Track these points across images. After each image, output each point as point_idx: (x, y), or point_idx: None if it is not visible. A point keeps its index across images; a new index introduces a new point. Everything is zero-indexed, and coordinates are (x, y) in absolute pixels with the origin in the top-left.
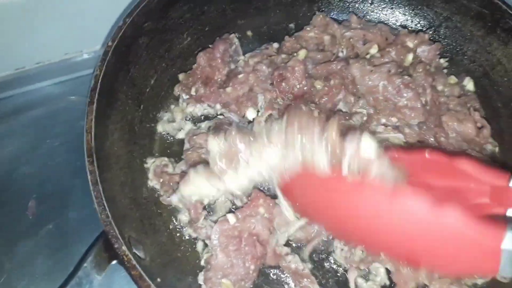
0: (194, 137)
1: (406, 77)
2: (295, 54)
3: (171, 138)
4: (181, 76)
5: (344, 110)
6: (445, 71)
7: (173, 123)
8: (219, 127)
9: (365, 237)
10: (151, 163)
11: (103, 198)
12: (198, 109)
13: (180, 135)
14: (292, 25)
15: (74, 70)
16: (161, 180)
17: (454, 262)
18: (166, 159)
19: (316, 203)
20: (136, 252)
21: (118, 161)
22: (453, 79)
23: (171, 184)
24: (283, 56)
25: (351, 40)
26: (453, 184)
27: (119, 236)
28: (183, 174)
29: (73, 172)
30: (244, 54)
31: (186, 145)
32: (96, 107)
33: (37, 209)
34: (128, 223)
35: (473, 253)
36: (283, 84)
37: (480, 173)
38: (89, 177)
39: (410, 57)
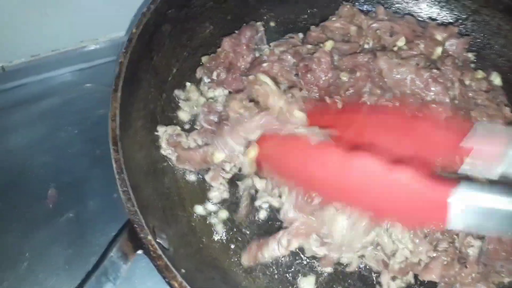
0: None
1: (434, 70)
2: (321, 45)
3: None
4: (204, 59)
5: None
6: (472, 65)
7: (189, 102)
8: None
9: (330, 193)
10: (163, 132)
11: (129, 187)
12: (219, 94)
13: (194, 112)
14: (316, 15)
15: (90, 59)
16: (176, 154)
17: (410, 215)
18: (178, 128)
19: (283, 162)
20: (161, 242)
21: (141, 150)
22: (480, 74)
23: (187, 160)
24: (309, 46)
25: (378, 31)
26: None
27: (144, 225)
28: (197, 148)
29: (91, 161)
30: (267, 43)
31: (201, 116)
32: (120, 94)
33: (57, 197)
34: (152, 213)
35: (424, 206)
36: (309, 75)
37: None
38: (114, 165)
39: (439, 50)
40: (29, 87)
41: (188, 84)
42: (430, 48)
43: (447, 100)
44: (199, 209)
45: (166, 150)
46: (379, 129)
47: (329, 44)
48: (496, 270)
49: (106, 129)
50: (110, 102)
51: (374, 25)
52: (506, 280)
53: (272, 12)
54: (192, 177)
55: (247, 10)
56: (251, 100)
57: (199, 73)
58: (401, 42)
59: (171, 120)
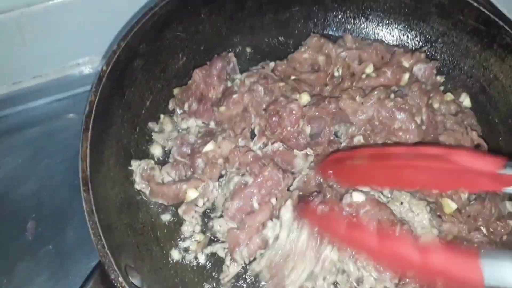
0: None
1: (398, 99)
2: (297, 95)
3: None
4: (175, 91)
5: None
6: (442, 87)
7: (163, 134)
8: (208, 135)
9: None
10: (137, 166)
11: (99, 229)
12: (191, 124)
13: (168, 146)
14: (289, 41)
15: (72, 87)
16: (150, 188)
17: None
18: (152, 161)
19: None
20: (133, 281)
21: (114, 187)
22: (449, 96)
23: (160, 194)
24: (281, 84)
25: (346, 59)
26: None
27: (115, 267)
28: (171, 184)
29: (71, 191)
30: (240, 71)
31: (174, 149)
32: (91, 133)
33: (36, 229)
34: (125, 251)
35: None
36: (274, 118)
37: (475, 161)
38: (84, 206)
39: (406, 76)
40: (10, 118)
41: (162, 116)
42: (397, 74)
43: (413, 126)
44: (175, 254)
45: (140, 184)
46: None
47: (305, 99)
48: None
49: None
50: (81, 132)
51: (343, 54)
52: None
53: (244, 41)
54: (166, 216)
55: (220, 40)
56: None
57: (171, 104)
58: (369, 69)
59: (145, 153)
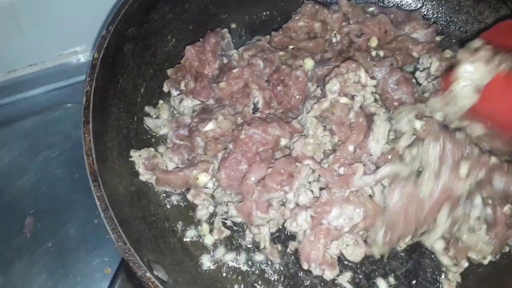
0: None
1: (407, 72)
2: (300, 62)
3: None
4: (169, 71)
5: None
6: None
7: (156, 120)
8: (203, 112)
9: None
10: (137, 157)
11: (117, 224)
12: (189, 105)
13: (163, 132)
14: (278, 14)
15: (70, 76)
16: (155, 177)
17: None
18: (152, 149)
19: None
20: (159, 275)
21: (121, 180)
22: (448, 53)
23: (168, 183)
24: (281, 53)
25: (349, 33)
26: None
27: (140, 262)
28: (178, 171)
29: (71, 185)
30: (234, 48)
31: (170, 133)
32: (92, 126)
33: (34, 226)
34: (144, 245)
35: None
36: (279, 88)
37: None
38: (97, 202)
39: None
40: (6, 108)
41: (160, 101)
42: (407, 59)
43: (413, 101)
44: (191, 233)
45: (145, 175)
46: None
47: (309, 64)
48: None
49: None
50: (81, 126)
51: (345, 29)
52: None
53: (233, 16)
54: (175, 199)
55: (207, 18)
56: None
57: (166, 86)
58: (373, 43)
59: (146, 142)
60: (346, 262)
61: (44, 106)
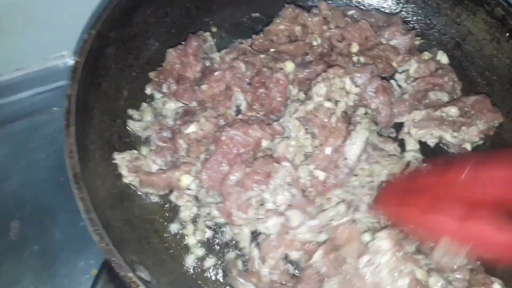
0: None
1: (386, 81)
2: (281, 64)
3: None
4: (151, 74)
5: None
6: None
7: (139, 122)
8: (186, 114)
9: None
10: (121, 159)
11: (99, 225)
12: (172, 107)
13: (146, 134)
14: (257, 15)
15: (56, 79)
16: (139, 179)
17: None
18: (135, 151)
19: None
20: (142, 275)
21: (104, 183)
22: (427, 55)
23: (151, 185)
24: (262, 56)
25: (330, 38)
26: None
27: (122, 263)
28: (161, 173)
29: (56, 188)
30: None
31: (153, 135)
32: (74, 129)
33: (20, 229)
34: (127, 246)
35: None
36: (261, 90)
37: None
38: (80, 204)
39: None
40: None
41: (143, 104)
42: (387, 68)
43: (387, 113)
44: (174, 227)
45: (128, 177)
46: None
47: (290, 67)
48: None
49: None
50: (63, 129)
51: (327, 33)
52: None
53: (214, 19)
54: (158, 200)
55: (189, 21)
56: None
57: (148, 89)
58: (354, 49)
59: (129, 145)
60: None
61: (30, 110)
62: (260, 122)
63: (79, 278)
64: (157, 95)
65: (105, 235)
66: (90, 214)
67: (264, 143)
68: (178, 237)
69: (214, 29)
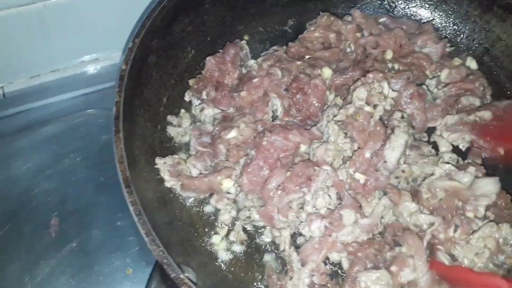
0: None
1: (423, 87)
2: (319, 70)
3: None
4: (191, 82)
5: None
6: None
7: (178, 128)
8: (225, 120)
9: None
10: (162, 164)
11: (150, 228)
12: (210, 114)
13: (185, 140)
14: (291, 22)
15: (92, 84)
16: (180, 183)
17: None
18: (176, 156)
19: None
20: (189, 276)
21: (149, 187)
22: (457, 61)
23: (193, 188)
24: (298, 63)
25: (365, 45)
26: None
27: (174, 264)
28: (202, 177)
29: (95, 188)
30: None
31: (193, 140)
32: (122, 134)
33: (59, 226)
34: (173, 248)
35: None
36: (298, 96)
37: None
38: (131, 208)
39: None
40: (31, 113)
41: (182, 110)
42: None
43: (424, 117)
44: (216, 239)
45: (170, 181)
46: None
47: (327, 73)
48: None
49: (110, 155)
50: (112, 135)
51: (362, 41)
52: None
53: (248, 28)
54: (198, 204)
55: (224, 30)
56: None
57: (187, 96)
58: (389, 56)
59: (170, 150)
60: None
61: (67, 112)
62: (298, 127)
63: (114, 277)
64: (196, 102)
65: (156, 237)
66: (142, 217)
67: (303, 148)
68: (218, 240)
69: (246, 37)
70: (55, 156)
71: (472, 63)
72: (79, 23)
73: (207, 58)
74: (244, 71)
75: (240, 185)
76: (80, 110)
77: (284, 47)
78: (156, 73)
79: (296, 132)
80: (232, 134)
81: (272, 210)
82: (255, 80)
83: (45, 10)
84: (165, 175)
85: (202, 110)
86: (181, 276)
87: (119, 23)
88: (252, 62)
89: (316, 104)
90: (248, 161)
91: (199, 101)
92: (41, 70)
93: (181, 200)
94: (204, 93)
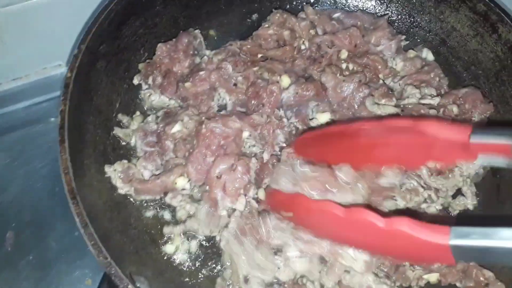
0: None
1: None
2: (278, 77)
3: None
4: (140, 65)
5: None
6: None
7: (126, 129)
8: (168, 116)
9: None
10: (111, 171)
11: (97, 239)
12: (160, 101)
13: (133, 141)
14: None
15: (54, 89)
16: (133, 188)
17: (420, 258)
18: (126, 161)
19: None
20: (141, 287)
21: (101, 196)
22: (412, 53)
23: (147, 192)
24: (255, 69)
25: (320, 44)
26: (419, 144)
27: (122, 275)
28: (155, 179)
29: (52, 198)
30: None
31: (139, 142)
32: (68, 144)
33: (15, 239)
34: (126, 258)
35: (429, 251)
36: (253, 102)
37: (443, 131)
38: (77, 220)
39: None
40: None
41: (137, 112)
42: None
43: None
44: (169, 249)
45: (123, 188)
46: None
47: (286, 82)
48: None
49: None
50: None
51: (317, 39)
52: None
53: (204, 28)
54: (154, 211)
55: (178, 31)
56: None
57: (136, 80)
58: (343, 55)
59: (124, 156)
60: None
61: (27, 120)
62: (238, 113)
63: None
64: (144, 86)
65: (103, 248)
66: (88, 229)
67: (245, 134)
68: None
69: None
70: (11, 166)
71: (428, 55)
72: (39, 30)
73: (158, 44)
74: (197, 60)
75: (188, 174)
76: (40, 119)
77: (239, 42)
78: (106, 78)
79: (235, 118)
80: (176, 128)
81: (217, 194)
82: (202, 73)
83: (2, 18)
84: (117, 182)
85: (149, 96)
86: (129, 287)
87: (80, 29)
88: (208, 52)
89: (267, 110)
90: (191, 150)
91: (146, 86)
92: (2, 79)
93: (137, 207)
94: (150, 79)
